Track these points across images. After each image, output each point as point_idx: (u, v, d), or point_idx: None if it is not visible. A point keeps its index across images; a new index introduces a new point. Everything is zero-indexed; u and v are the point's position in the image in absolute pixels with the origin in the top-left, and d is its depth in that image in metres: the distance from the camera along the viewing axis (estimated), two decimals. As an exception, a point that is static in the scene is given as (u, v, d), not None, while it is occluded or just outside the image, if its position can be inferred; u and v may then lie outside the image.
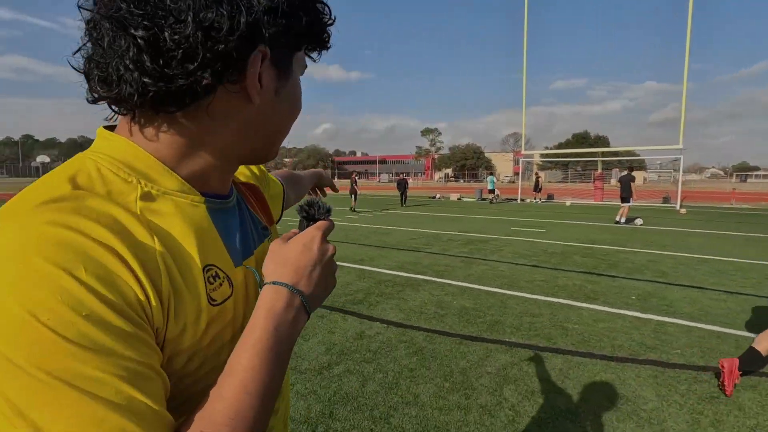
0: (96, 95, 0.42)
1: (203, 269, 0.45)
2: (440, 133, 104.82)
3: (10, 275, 0.32)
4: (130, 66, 0.39)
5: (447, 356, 3.19)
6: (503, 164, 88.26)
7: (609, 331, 3.72)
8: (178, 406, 0.41)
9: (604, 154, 28.23)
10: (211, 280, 0.46)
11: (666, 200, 20.54)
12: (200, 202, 0.48)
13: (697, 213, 15.55)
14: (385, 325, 3.81)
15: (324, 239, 0.52)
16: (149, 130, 0.45)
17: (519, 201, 22.09)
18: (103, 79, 0.41)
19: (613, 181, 60.76)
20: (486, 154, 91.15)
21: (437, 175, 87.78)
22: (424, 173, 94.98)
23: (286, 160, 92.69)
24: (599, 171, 23.19)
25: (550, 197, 23.46)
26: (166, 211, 0.43)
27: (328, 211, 0.56)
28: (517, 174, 79.55)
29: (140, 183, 0.43)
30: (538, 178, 22.03)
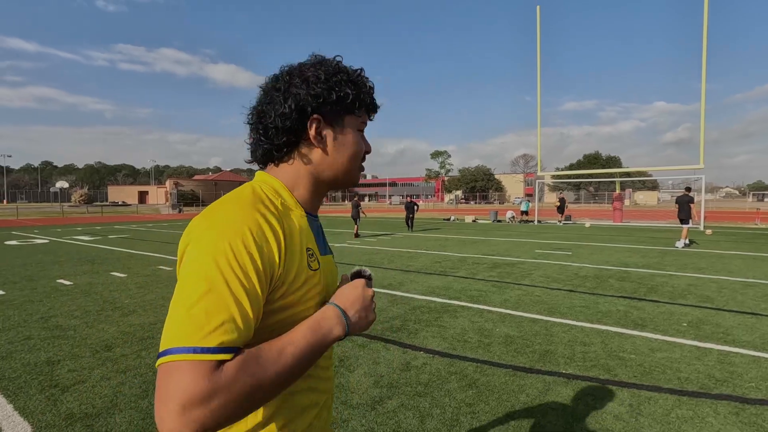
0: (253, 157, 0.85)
1: (306, 249, 0.75)
2: (449, 156, 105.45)
3: (226, 230, 0.63)
4: (258, 141, 0.80)
5: (504, 390, 3.01)
6: (513, 185, 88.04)
7: (670, 361, 3.50)
8: (260, 335, 0.66)
9: (621, 174, 27.86)
10: (309, 256, 0.75)
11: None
12: (304, 215, 0.79)
13: (722, 234, 15.14)
14: (431, 355, 3.64)
15: (367, 289, 0.78)
16: (277, 170, 0.81)
17: (536, 222, 21.81)
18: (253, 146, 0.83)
19: (627, 202, 60.13)
20: (496, 176, 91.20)
21: (447, 197, 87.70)
22: (434, 195, 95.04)
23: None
24: (617, 192, 22.87)
25: (568, 219, 23.16)
26: (289, 215, 0.75)
27: (371, 276, 0.86)
28: (529, 195, 79.40)
29: (279, 196, 0.77)
30: (563, 199, 21.75)
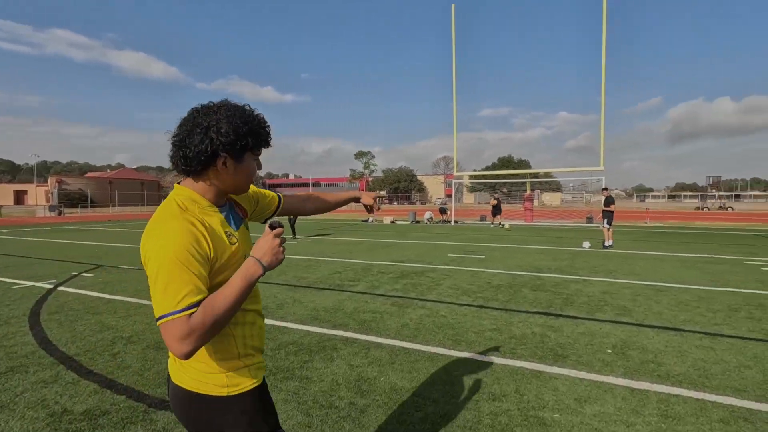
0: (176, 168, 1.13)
1: (225, 232, 1.11)
2: (374, 156, 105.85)
3: (170, 240, 0.98)
4: (180, 160, 1.09)
5: None
6: (435, 187, 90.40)
7: (605, 421, 2.54)
8: (209, 291, 1.04)
9: (531, 175, 29.05)
10: (228, 236, 1.12)
11: (590, 220, 21.20)
12: (216, 210, 1.14)
13: (622, 233, 15.86)
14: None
15: (275, 237, 1.07)
16: (193, 183, 1.13)
17: (453, 223, 21.59)
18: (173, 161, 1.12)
19: (536, 202, 64.53)
20: (419, 177, 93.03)
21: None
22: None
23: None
24: (528, 192, 23.57)
25: (482, 219, 23.34)
26: (206, 213, 1.10)
27: (281, 225, 1.09)
28: (449, 196, 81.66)
29: (195, 203, 1.10)
30: (498, 201, 19.93)
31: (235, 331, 1.15)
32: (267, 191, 1.44)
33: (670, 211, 40.06)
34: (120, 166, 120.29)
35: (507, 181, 49.10)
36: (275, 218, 1.13)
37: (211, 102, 1.12)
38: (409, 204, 76.47)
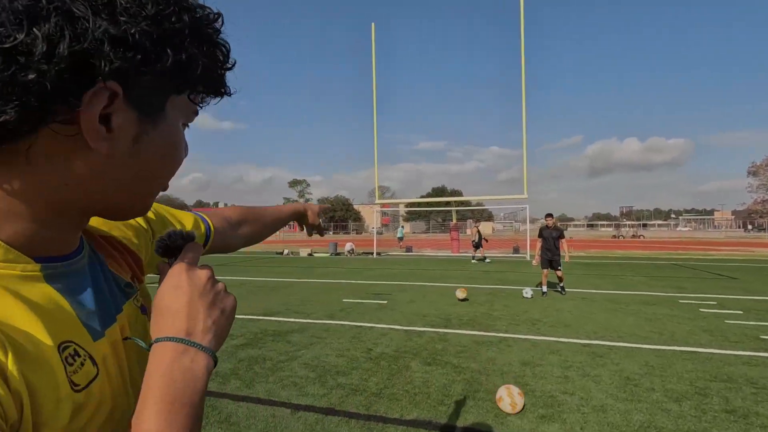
0: None
1: (58, 348, 0.36)
2: (308, 185, 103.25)
3: None
4: None
5: None
6: (371, 216, 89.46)
7: None
8: None
9: (457, 203, 28.40)
10: (70, 360, 0.37)
11: (516, 250, 20.44)
12: (35, 270, 0.38)
13: (547, 264, 14.87)
14: None
15: (192, 268, 0.45)
16: None
17: (375, 255, 19.73)
18: None
19: (468, 231, 65.56)
20: (355, 207, 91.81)
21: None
22: (291, 225, 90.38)
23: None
24: (454, 221, 22.52)
25: (408, 249, 21.79)
26: (14, 293, 0.35)
27: (189, 237, 0.49)
28: (386, 225, 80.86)
29: None
30: (478, 231, 16.34)
31: None
32: (181, 213, 0.72)
33: (590, 239, 41.71)
34: None
35: (440, 209, 48.97)
36: (168, 229, 0.49)
37: None
38: (344, 234, 74.34)
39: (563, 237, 8.21)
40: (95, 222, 0.52)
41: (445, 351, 4.53)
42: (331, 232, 79.60)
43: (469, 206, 36.72)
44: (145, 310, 0.53)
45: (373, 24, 19.59)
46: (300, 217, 1.11)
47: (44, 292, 0.38)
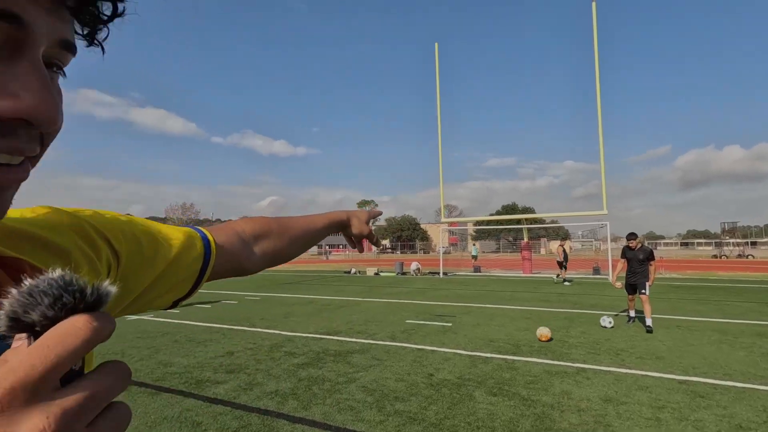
0: None
1: None
2: (377, 205, 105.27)
3: None
4: None
5: None
6: (438, 235, 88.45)
7: None
8: None
9: (528, 221, 26.97)
10: None
11: (596, 270, 18.79)
12: None
13: (633, 286, 13.43)
14: None
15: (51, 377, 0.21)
16: None
17: (441, 275, 19.28)
18: None
19: (543, 251, 61.63)
20: (422, 226, 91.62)
21: (374, 248, 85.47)
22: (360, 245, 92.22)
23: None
24: (525, 240, 21.35)
25: (476, 270, 21.04)
26: None
27: (79, 296, 0.23)
28: (453, 244, 79.11)
29: None
30: (564, 250, 15.09)
31: None
32: (169, 228, 0.57)
33: (685, 259, 37.22)
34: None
35: (510, 227, 46.91)
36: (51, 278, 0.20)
37: None
38: (412, 253, 74.10)
39: (653, 258, 7.24)
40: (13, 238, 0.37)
41: (513, 381, 4.17)
42: (398, 251, 79.83)
43: (543, 224, 34.68)
44: None
45: (436, 44, 19.74)
46: (342, 228, 0.93)
47: None
